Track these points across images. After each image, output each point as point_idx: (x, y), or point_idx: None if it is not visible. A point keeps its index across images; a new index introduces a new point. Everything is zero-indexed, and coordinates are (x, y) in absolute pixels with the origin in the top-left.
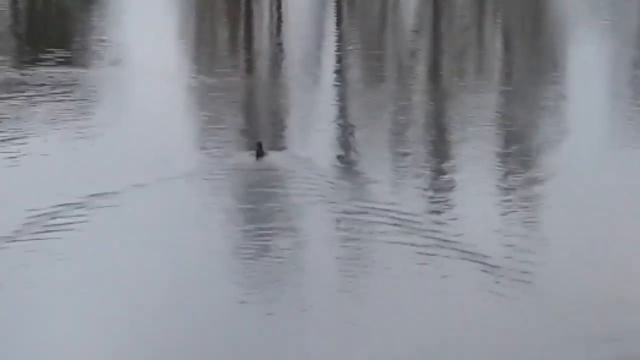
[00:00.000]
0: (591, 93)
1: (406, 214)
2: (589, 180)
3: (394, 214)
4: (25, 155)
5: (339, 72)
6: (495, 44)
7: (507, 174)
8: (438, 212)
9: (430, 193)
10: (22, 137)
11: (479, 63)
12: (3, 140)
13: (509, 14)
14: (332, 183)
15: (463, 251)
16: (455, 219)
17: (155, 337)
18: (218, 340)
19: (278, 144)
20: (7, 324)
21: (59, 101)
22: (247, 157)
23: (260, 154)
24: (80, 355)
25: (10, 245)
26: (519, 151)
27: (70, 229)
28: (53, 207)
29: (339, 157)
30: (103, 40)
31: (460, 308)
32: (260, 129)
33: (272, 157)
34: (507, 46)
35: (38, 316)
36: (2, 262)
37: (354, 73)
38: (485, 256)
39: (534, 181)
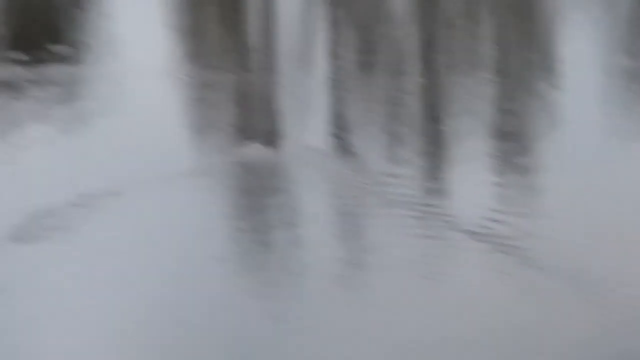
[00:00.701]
0: (585, 81)
1: (408, 195)
2: (586, 165)
3: (398, 196)
4: (24, 151)
5: (333, 62)
6: (486, 30)
7: (504, 153)
8: (439, 192)
9: (431, 172)
10: (20, 135)
11: (470, 49)
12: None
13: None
14: (338, 172)
15: (467, 231)
16: (455, 197)
17: (155, 339)
18: (218, 341)
19: (280, 136)
20: (9, 329)
21: (52, 99)
22: (255, 149)
23: (270, 143)
24: (82, 357)
25: (6, 247)
26: (515, 133)
27: (69, 230)
28: (51, 206)
29: (340, 145)
30: (95, 35)
31: (472, 293)
32: (263, 122)
33: (279, 149)
34: (499, 32)
35: (39, 320)
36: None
37: (348, 62)
38: (492, 236)
39: (531, 163)
